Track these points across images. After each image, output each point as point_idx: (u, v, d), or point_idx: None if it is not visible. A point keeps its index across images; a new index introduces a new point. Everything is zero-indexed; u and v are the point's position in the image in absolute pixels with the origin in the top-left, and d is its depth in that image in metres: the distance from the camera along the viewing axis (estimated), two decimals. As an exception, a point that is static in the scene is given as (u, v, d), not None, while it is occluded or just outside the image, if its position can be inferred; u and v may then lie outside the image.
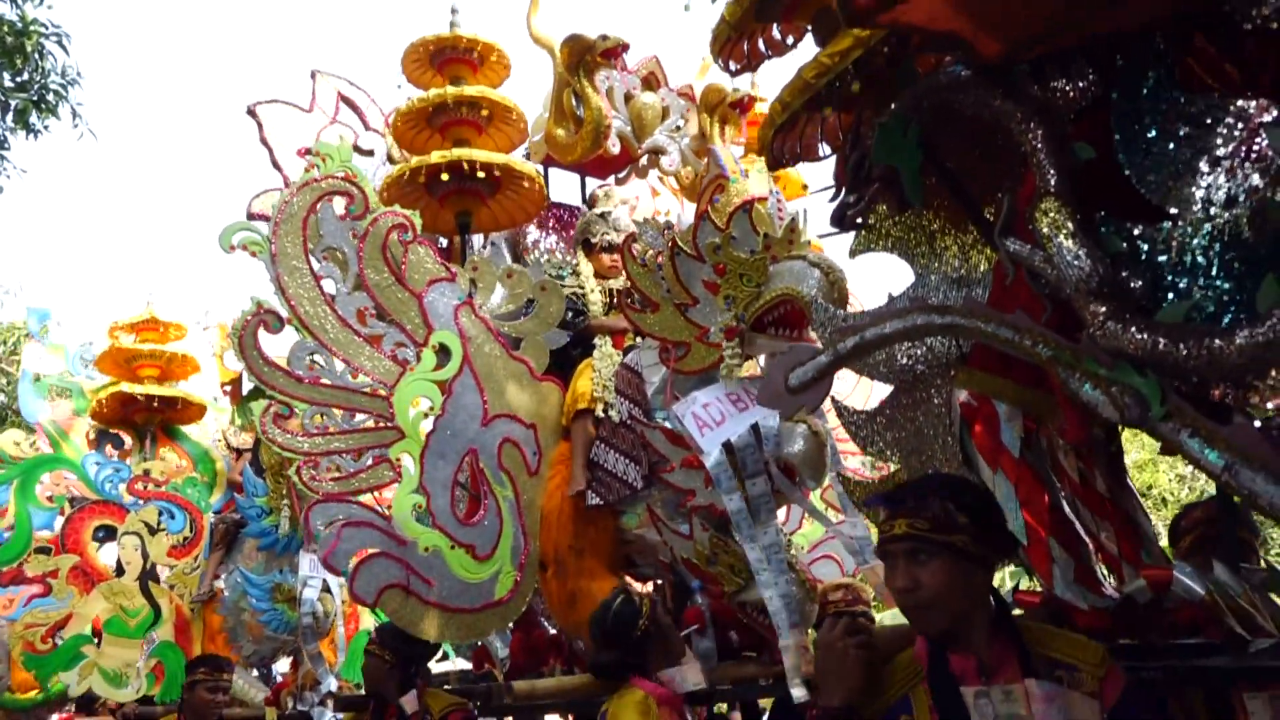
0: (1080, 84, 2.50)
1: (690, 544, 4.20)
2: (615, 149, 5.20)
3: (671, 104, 5.44)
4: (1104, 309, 2.01)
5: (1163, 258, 2.11)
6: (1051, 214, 2.20)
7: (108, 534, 6.48)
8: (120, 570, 6.30)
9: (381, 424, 4.14)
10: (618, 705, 3.48)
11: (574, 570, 4.41)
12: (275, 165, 5.12)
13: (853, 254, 3.17)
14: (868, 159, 2.65)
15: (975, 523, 1.97)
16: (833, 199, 3.22)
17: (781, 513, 4.77)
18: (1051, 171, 2.26)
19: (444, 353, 4.34)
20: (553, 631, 5.08)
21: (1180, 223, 2.08)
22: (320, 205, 4.21)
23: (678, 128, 5.47)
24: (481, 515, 4.29)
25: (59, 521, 6.49)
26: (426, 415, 4.23)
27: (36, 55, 8.78)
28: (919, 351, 3.02)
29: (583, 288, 4.97)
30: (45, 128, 9.01)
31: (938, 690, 1.93)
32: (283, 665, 6.76)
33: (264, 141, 5.14)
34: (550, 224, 5.81)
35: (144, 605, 6.21)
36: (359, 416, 4.13)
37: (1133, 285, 2.11)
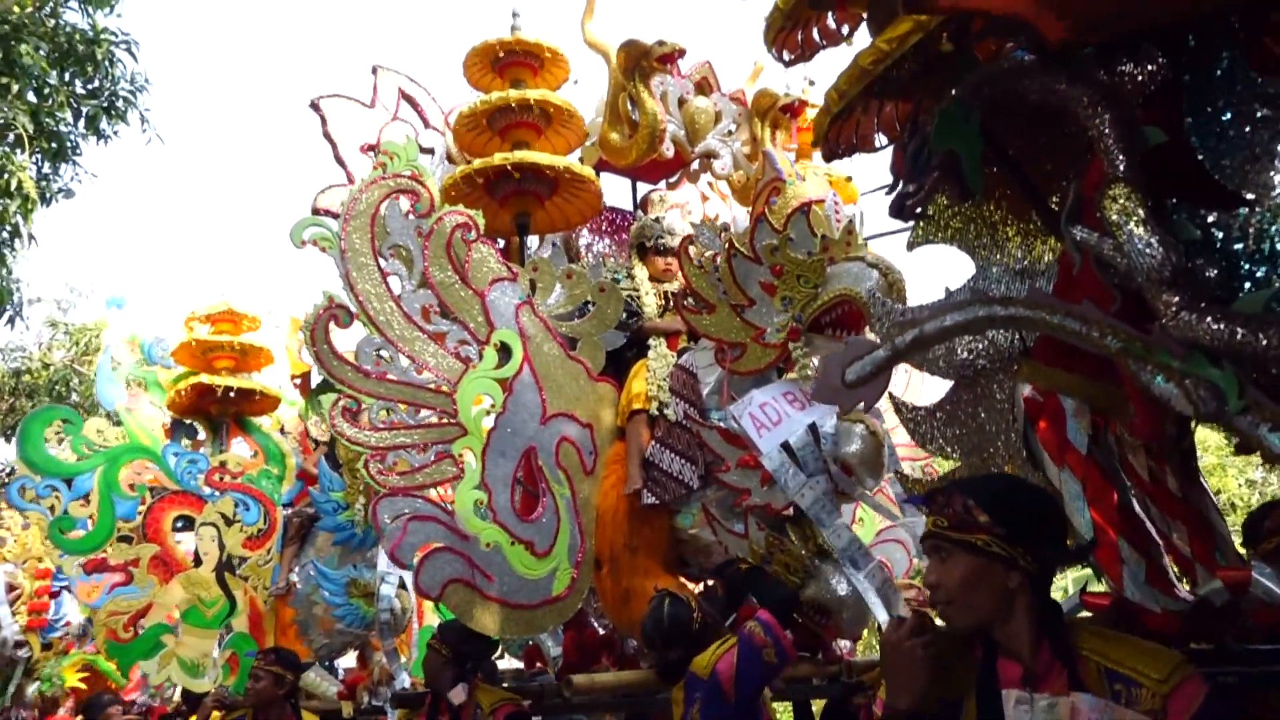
0: (1148, 68, 2.33)
1: (745, 543, 4.07)
2: (669, 153, 5.09)
3: (724, 109, 5.33)
4: (1177, 298, 1.87)
5: (1239, 245, 1.96)
6: (1121, 200, 2.04)
7: (186, 524, 6.46)
8: (198, 561, 6.27)
9: (445, 420, 4.07)
10: None
11: (628, 569, 4.30)
12: (339, 160, 5.06)
13: (911, 246, 3.01)
14: (927, 147, 2.49)
15: (1001, 522, 1.81)
16: (889, 192, 3.07)
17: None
18: (1121, 157, 2.11)
19: (505, 351, 4.25)
20: (604, 630, 4.95)
21: (1258, 208, 1.93)
22: (387, 203, 4.16)
23: (730, 132, 5.35)
24: (540, 512, 4.20)
25: (140, 510, 6.45)
26: (488, 413, 4.14)
27: (106, 63, 8.87)
28: (980, 345, 2.85)
29: (637, 290, 4.87)
30: (115, 133, 9.11)
31: (981, 692, 1.80)
32: (348, 660, 6.70)
33: (328, 136, 5.08)
34: (603, 227, 5.71)
35: (220, 596, 6.18)
36: (423, 412, 4.05)
37: (1207, 274, 1.97)
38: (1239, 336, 1.77)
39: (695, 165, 5.55)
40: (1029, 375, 2.58)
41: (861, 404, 2.73)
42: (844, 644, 4.29)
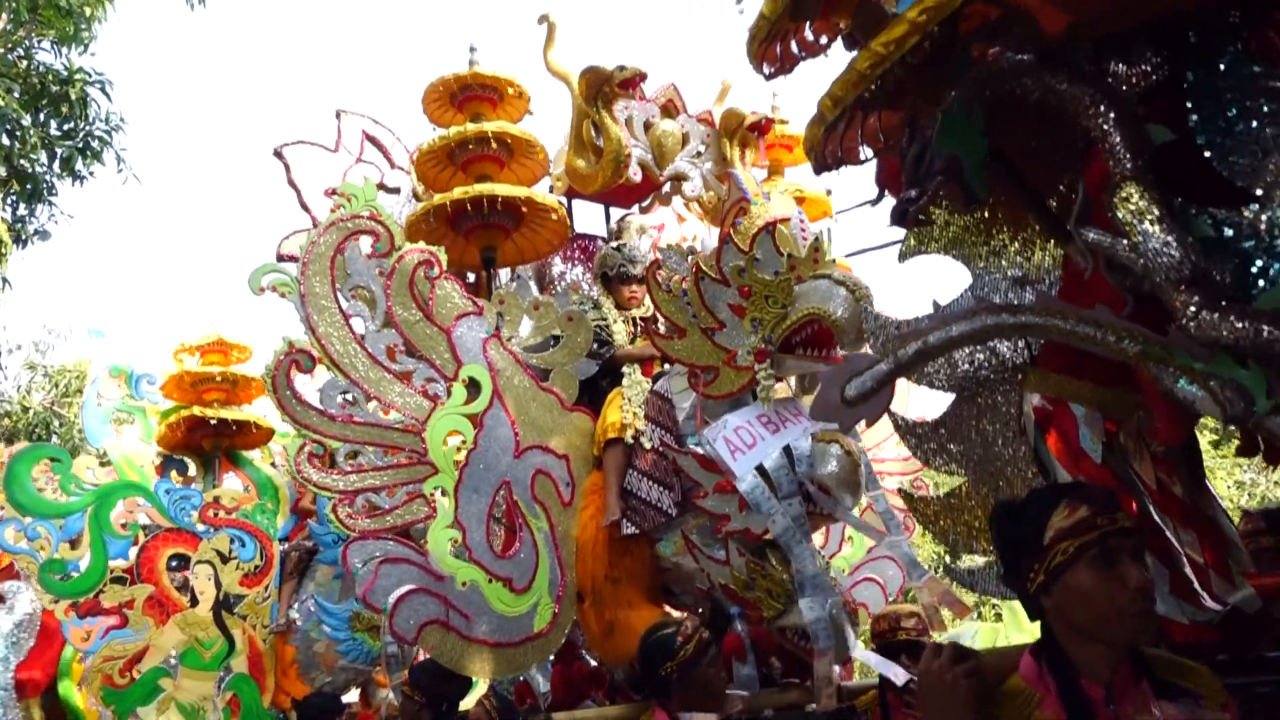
0: (1142, 68, 2.03)
1: (727, 570, 3.66)
2: (637, 178, 4.67)
3: (691, 130, 4.90)
4: (1197, 298, 1.63)
5: (1249, 243, 1.70)
6: (1135, 199, 1.77)
7: (181, 562, 5.94)
8: (194, 600, 5.77)
9: (415, 459, 3.64)
10: None
11: (611, 600, 3.87)
12: (304, 206, 4.63)
13: (903, 257, 2.65)
14: (929, 151, 2.12)
15: None
16: (873, 204, 2.69)
17: (819, 536, 4.19)
18: (1128, 156, 1.83)
19: (474, 386, 3.84)
20: (593, 664, 4.50)
21: (1268, 205, 1.69)
22: (347, 245, 3.74)
23: (698, 153, 4.93)
24: (517, 548, 3.77)
25: (133, 550, 5.93)
26: (459, 450, 3.70)
27: (80, 103, 8.41)
28: (982, 356, 2.49)
29: (605, 319, 4.44)
30: (91, 174, 8.64)
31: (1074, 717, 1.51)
32: (350, 696, 6.21)
33: (292, 183, 4.65)
34: (575, 255, 5.27)
35: (218, 636, 5.68)
36: (392, 453, 3.60)
37: (1220, 273, 1.68)
38: (1264, 335, 1.55)
39: (666, 188, 5.13)
40: (1037, 384, 2.26)
41: (863, 421, 2.34)
42: (836, 669, 3.85)
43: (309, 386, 3.77)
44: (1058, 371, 2.27)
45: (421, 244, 3.89)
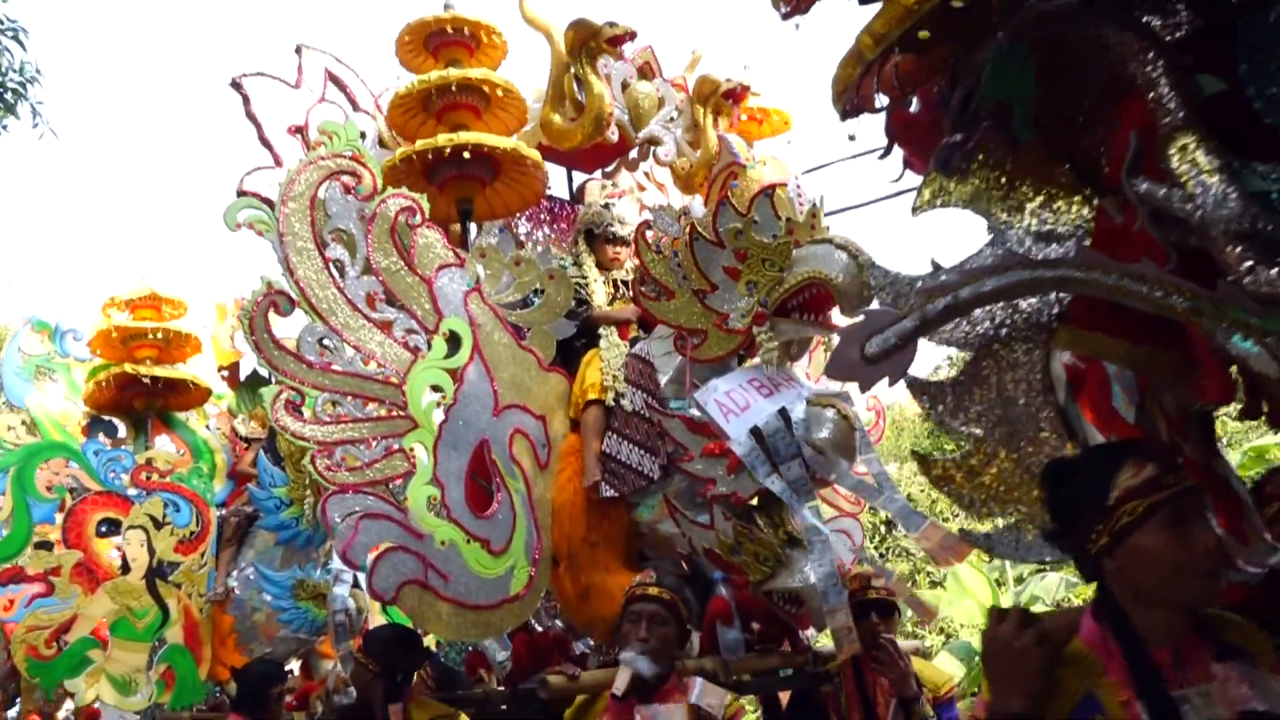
0: (1172, 19, 2.05)
1: (712, 534, 3.69)
2: (614, 137, 4.64)
3: (666, 94, 4.92)
4: (1252, 253, 1.63)
5: None
6: (1191, 150, 1.78)
7: (111, 528, 5.71)
8: (126, 567, 5.56)
9: (394, 413, 3.59)
10: None
11: (587, 564, 3.89)
12: (265, 142, 4.46)
13: (916, 211, 2.65)
14: (975, 94, 2.13)
15: None
16: (882, 156, 2.72)
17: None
18: (1179, 105, 1.84)
19: (454, 340, 3.80)
20: (556, 630, 4.48)
21: None
22: (327, 185, 3.63)
23: (672, 119, 4.92)
24: (495, 509, 3.75)
25: (59, 514, 5.67)
26: (439, 405, 3.64)
27: None
28: (1003, 313, 2.50)
29: (585, 279, 4.44)
30: (4, 127, 8.27)
31: (1144, 686, 1.49)
32: (290, 667, 6.07)
33: (251, 116, 4.47)
34: (541, 216, 5.22)
35: (151, 605, 5.48)
36: (371, 405, 3.54)
37: (1270, 228, 1.68)
38: (1322, 292, 1.52)
39: (634, 153, 5.12)
40: (1068, 342, 2.28)
41: (886, 380, 2.36)
42: (810, 633, 3.91)
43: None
44: (1090, 329, 2.29)
45: (404, 189, 3.81)
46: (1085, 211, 2.47)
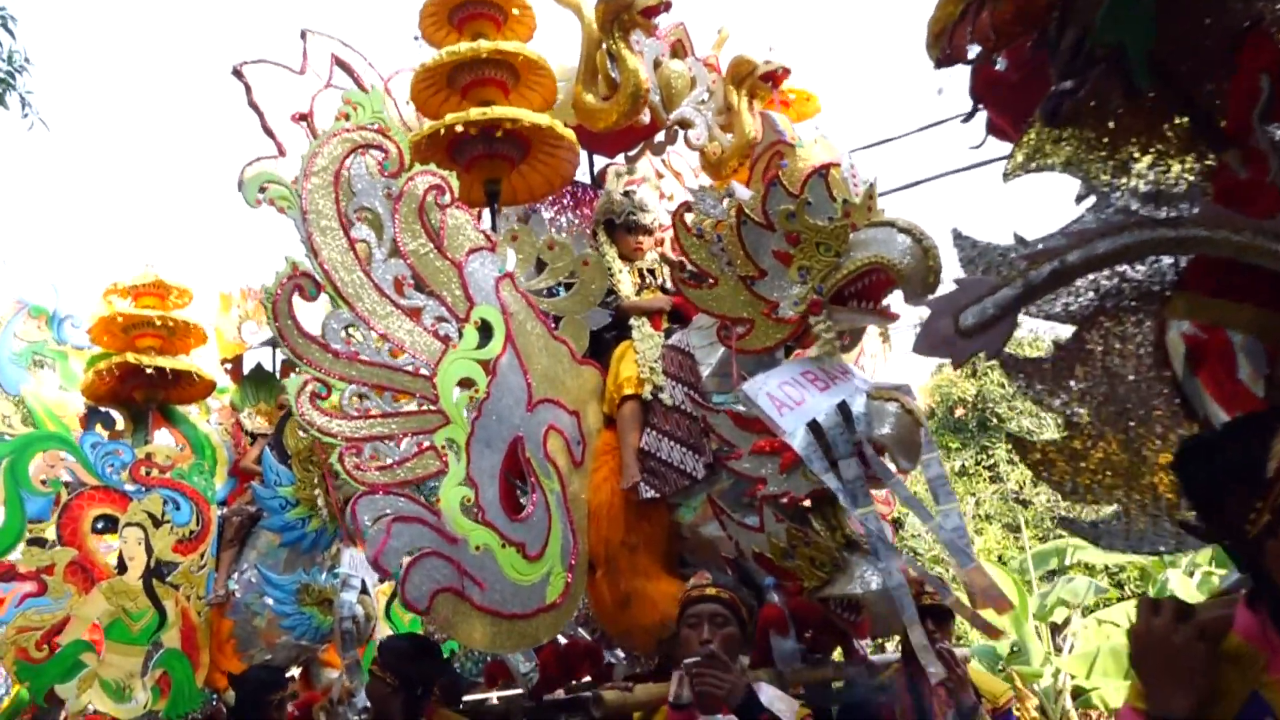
0: None
1: (762, 537, 3.49)
2: (646, 119, 4.42)
3: (699, 74, 4.68)
4: None
5: None
6: None
7: (108, 524, 5.47)
8: (122, 567, 5.32)
9: (425, 407, 3.36)
10: None
11: (627, 569, 3.69)
12: (267, 131, 4.23)
13: (1007, 176, 2.45)
14: (1088, 38, 1.94)
15: None
16: (965, 120, 2.53)
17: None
18: None
19: (486, 330, 3.57)
20: (585, 639, 4.28)
21: None
22: (352, 160, 3.40)
23: (703, 101, 4.70)
24: (530, 510, 3.54)
25: (54, 509, 5.42)
26: (471, 399, 3.43)
27: None
28: (1109, 282, 2.31)
29: (610, 269, 4.21)
30: None
31: None
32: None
33: (253, 105, 4.24)
34: (566, 201, 5.00)
35: (148, 607, 5.25)
36: (400, 398, 3.33)
37: None
38: None
39: (660, 136, 4.91)
40: (1186, 310, 2.09)
41: (984, 354, 2.18)
42: (863, 643, 3.73)
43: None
44: (1212, 294, 2.10)
45: (432, 166, 3.59)
46: (1199, 168, 2.28)
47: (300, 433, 5.56)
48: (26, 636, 4.97)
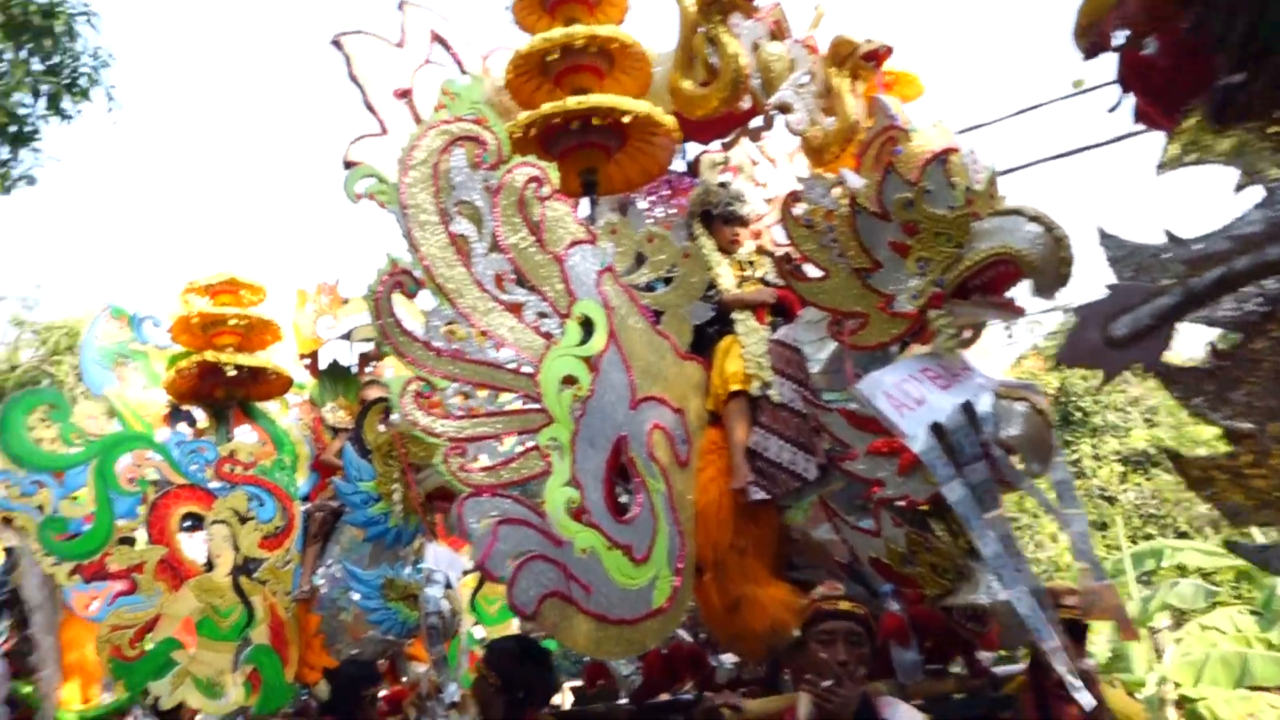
0: None
1: (879, 542, 3.36)
2: (746, 104, 4.29)
3: (798, 56, 4.53)
4: None
5: None
6: None
7: (195, 522, 5.51)
8: (209, 564, 5.35)
9: (528, 406, 3.27)
10: None
11: (736, 573, 3.57)
12: (370, 107, 4.17)
13: (1162, 168, 2.30)
14: (1260, 29, 1.79)
15: None
16: (1111, 109, 2.39)
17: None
18: None
19: (588, 325, 3.48)
20: (689, 643, 4.18)
21: None
22: (449, 152, 3.33)
23: (802, 84, 4.55)
24: (636, 512, 3.45)
25: (141, 508, 5.47)
26: (575, 397, 3.35)
27: (65, 36, 7.91)
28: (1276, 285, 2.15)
29: (708, 261, 4.09)
30: (78, 112, 8.15)
31: None
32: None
33: (354, 78, 4.18)
34: (661, 191, 4.89)
35: (236, 604, 5.26)
36: (504, 396, 3.25)
37: None
38: None
39: (757, 122, 4.78)
40: None
41: (1141, 365, 2.05)
42: (986, 655, 3.58)
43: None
44: None
45: (531, 157, 3.51)
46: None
47: (380, 427, 5.58)
48: (120, 635, 5.01)
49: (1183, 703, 8.96)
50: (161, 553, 5.30)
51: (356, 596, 5.37)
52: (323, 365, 6.92)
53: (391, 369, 7.07)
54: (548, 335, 3.41)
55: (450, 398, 3.19)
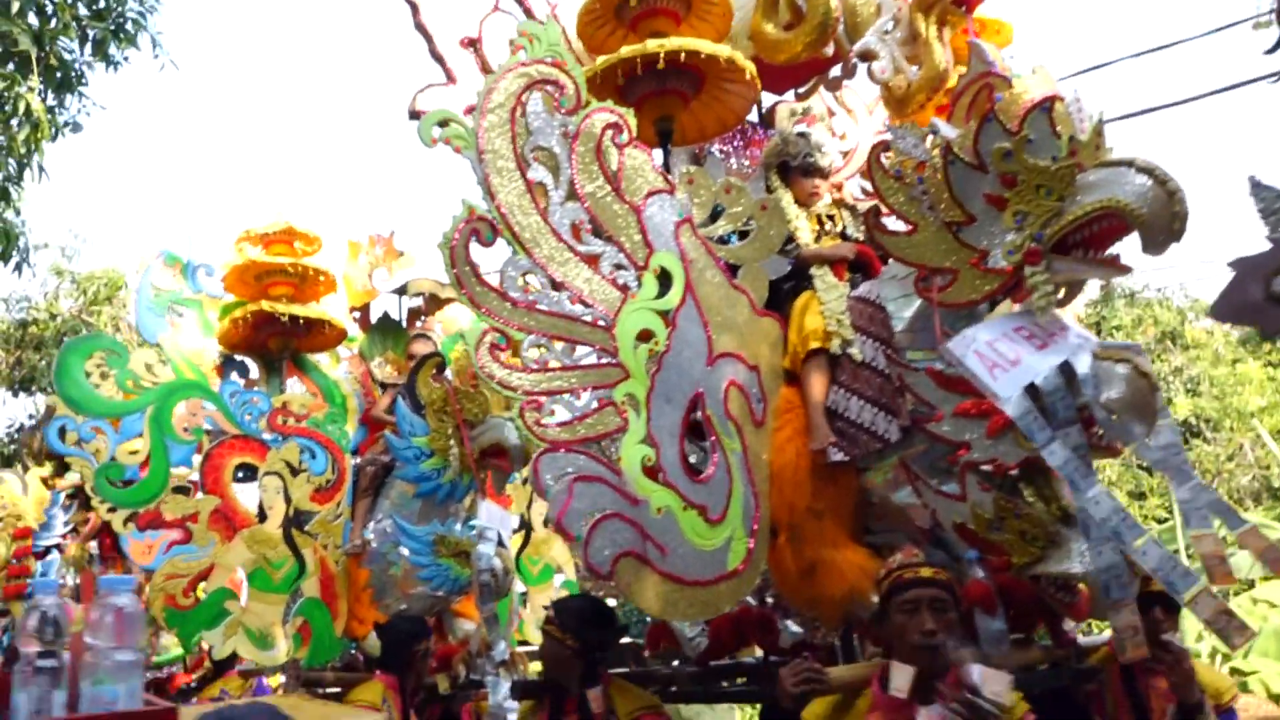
0: None
1: (964, 507, 3.27)
2: (829, 50, 4.15)
3: (884, 1, 4.35)
4: None
5: None
6: None
7: (248, 473, 5.52)
8: (262, 515, 5.36)
9: (605, 360, 3.20)
10: None
11: (813, 537, 3.48)
12: (436, 57, 4.08)
13: None
14: None
15: None
16: (1271, 49, 2.25)
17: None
18: None
19: (665, 278, 3.39)
20: (758, 607, 4.12)
21: None
22: (527, 96, 3.24)
23: (886, 31, 4.39)
24: (712, 471, 3.37)
25: (196, 458, 5.49)
26: (651, 352, 3.28)
27: None
28: None
29: (785, 214, 3.98)
30: (125, 59, 8.12)
31: None
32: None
33: (420, 27, 4.08)
34: (735, 143, 4.77)
35: (288, 556, 5.28)
36: (579, 350, 3.18)
37: None
38: None
39: (835, 71, 4.63)
40: None
41: None
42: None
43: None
44: None
45: (609, 103, 3.41)
46: None
47: (433, 383, 5.55)
48: (174, 584, 5.04)
49: (1233, 675, 8.85)
50: (215, 503, 5.33)
51: (406, 552, 5.41)
52: (373, 318, 6.90)
53: (440, 325, 7.06)
54: (624, 288, 3.32)
55: (527, 350, 3.12)
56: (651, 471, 3.22)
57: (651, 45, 3.79)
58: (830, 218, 4.11)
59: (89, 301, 15.79)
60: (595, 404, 3.19)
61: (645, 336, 3.31)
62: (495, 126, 3.19)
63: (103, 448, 5.16)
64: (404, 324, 7.00)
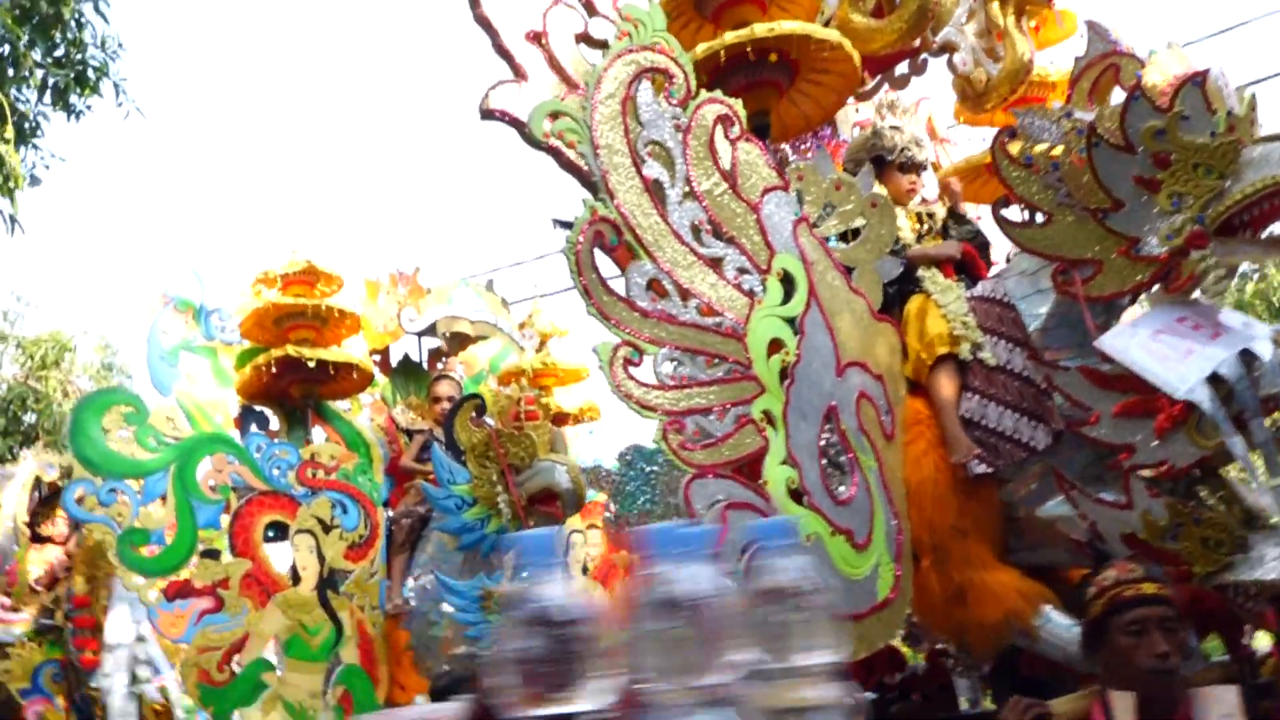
0: None
1: (1131, 515, 3.06)
2: (915, 42, 4.04)
3: (961, -9, 4.26)
4: None
5: None
6: None
7: (279, 532, 5.19)
8: (295, 577, 5.03)
9: (739, 374, 2.99)
10: None
11: (959, 558, 3.28)
12: (502, 52, 3.87)
13: None
14: None
15: None
16: None
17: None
18: None
19: (788, 282, 3.19)
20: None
21: None
22: (636, 86, 3.06)
23: (963, 23, 4.31)
24: (853, 492, 3.14)
25: (224, 518, 5.14)
26: (784, 363, 3.08)
27: (74, 25, 7.63)
28: None
29: None
30: (87, 107, 7.85)
31: None
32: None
33: (482, 20, 3.88)
34: (808, 142, 4.62)
35: (325, 620, 4.94)
36: (714, 364, 2.97)
37: None
38: None
39: (902, 68, 4.52)
40: None
41: None
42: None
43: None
44: None
45: (718, 93, 3.24)
46: None
47: (473, 427, 5.30)
48: (208, 657, 4.67)
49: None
50: (247, 566, 4.98)
51: (449, 609, 5.12)
52: (394, 362, 6.63)
53: (461, 366, 6.80)
54: (750, 293, 3.12)
55: (661, 364, 2.91)
56: (796, 495, 3.00)
57: (760, 29, 3.62)
58: (930, 215, 3.97)
59: (35, 366, 15.24)
60: (734, 423, 2.97)
61: (776, 346, 3.11)
62: (607, 119, 2.99)
63: (125, 511, 4.81)
64: (424, 365, 6.74)
